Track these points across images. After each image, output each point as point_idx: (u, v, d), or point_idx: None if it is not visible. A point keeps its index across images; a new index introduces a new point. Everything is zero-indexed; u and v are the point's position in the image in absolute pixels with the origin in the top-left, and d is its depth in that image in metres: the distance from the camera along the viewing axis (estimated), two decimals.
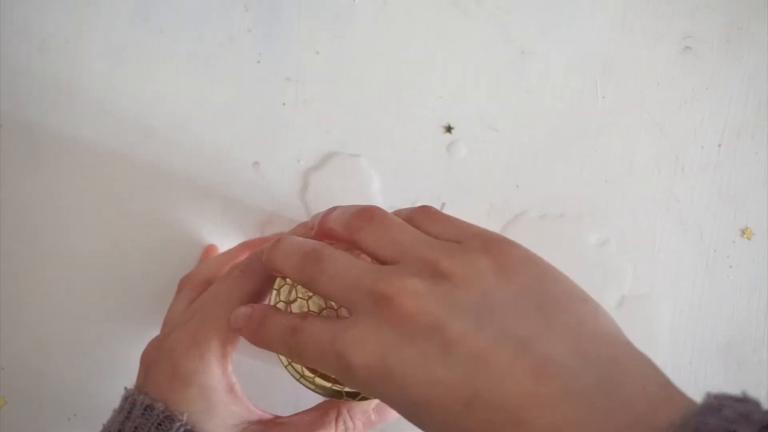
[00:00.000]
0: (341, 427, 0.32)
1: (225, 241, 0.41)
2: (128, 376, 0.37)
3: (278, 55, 0.41)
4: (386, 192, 0.41)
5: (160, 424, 0.30)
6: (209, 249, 0.40)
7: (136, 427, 0.31)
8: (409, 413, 0.24)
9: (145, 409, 0.31)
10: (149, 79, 0.41)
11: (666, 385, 0.23)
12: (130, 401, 0.32)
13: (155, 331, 0.36)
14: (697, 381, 0.41)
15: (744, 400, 0.21)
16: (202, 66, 0.41)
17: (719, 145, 0.41)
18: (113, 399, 0.34)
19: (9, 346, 0.41)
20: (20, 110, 0.41)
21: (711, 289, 0.41)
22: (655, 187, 0.41)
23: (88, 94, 0.41)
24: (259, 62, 0.41)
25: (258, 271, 0.33)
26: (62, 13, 0.41)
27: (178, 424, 0.30)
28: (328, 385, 0.32)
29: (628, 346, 0.25)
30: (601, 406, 0.21)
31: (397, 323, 0.24)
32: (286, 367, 0.32)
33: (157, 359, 0.32)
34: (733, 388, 0.41)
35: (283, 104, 0.41)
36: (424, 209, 0.30)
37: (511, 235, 0.27)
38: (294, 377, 0.32)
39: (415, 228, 0.28)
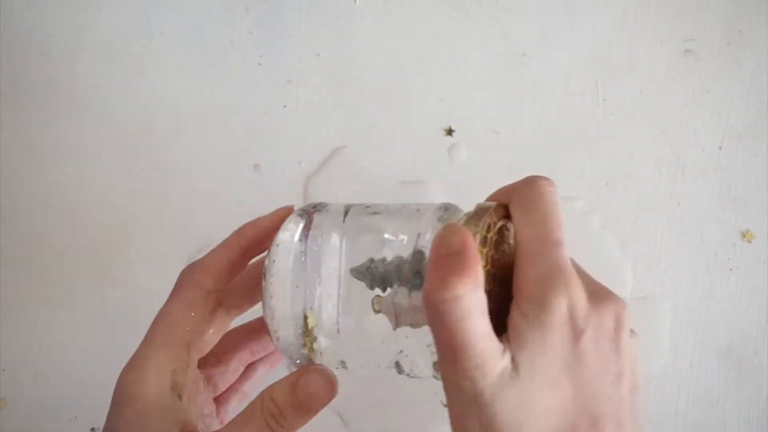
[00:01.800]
0: (267, 409, 0.31)
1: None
2: None
3: (279, 58, 0.41)
4: (387, 194, 0.41)
5: None
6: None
7: None
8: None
9: None
10: (150, 82, 0.41)
11: None
12: None
13: None
14: (698, 383, 0.41)
15: None
16: (203, 68, 0.41)
17: (720, 148, 0.41)
18: None
19: (10, 348, 0.41)
20: (22, 112, 0.41)
21: (712, 292, 0.41)
22: (655, 189, 0.41)
23: (89, 96, 0.41)
24: (260, 64, 0.41)
25: (182, 288, 0.32)
26: (64, 17, 0.41)
27: None
28: None
29: None
30: None
31: None
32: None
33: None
34: (734, 391, 0.41)
35: (284, 106, 0.41)
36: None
37: None
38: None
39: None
